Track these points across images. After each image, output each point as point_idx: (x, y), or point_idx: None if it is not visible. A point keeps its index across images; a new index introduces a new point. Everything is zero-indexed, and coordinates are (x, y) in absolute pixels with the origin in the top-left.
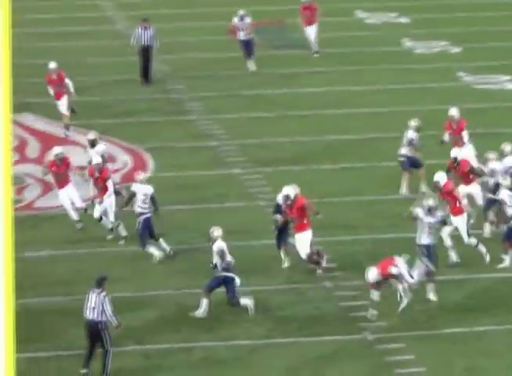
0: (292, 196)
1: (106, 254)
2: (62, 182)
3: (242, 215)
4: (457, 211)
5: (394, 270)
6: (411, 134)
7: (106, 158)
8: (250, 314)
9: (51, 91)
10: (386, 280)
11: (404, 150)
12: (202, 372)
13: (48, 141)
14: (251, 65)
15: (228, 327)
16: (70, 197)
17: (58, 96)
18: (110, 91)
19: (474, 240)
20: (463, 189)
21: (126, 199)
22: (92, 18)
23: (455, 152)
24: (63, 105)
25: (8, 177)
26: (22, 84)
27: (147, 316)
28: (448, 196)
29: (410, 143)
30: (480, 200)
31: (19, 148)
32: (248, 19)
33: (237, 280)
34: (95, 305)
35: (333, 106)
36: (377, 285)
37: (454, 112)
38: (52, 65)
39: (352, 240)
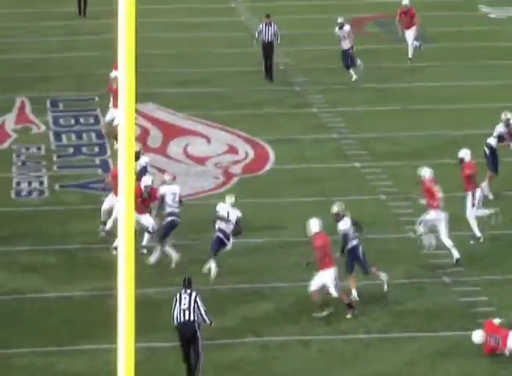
0: (309, 232)
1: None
2: (141, 211)
3: (363, 208)
4: (433, 207)
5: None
6: (500, 127)
7: (149, 171)
8: (210, 279)
9: (111, 99)
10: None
11: (492, 141)
12: (319, 365)
13: (169, 131)
14: (353, 74)
15: (345, 320)
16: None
17: (116, 106)
18: (233, 82)
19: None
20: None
21: (159, 203)
22: (216, 9)
23: (463, 153)
24: (116, 117)
25: (130, 166)
26: (145, 75)
27: (266, 308)
28: (425, 191)
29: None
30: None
31: (142, 138)
32: (347, 27)
33: (229, 245)
34: (188, 306)
35: (453, 100)
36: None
37: None
38: (114, 74)
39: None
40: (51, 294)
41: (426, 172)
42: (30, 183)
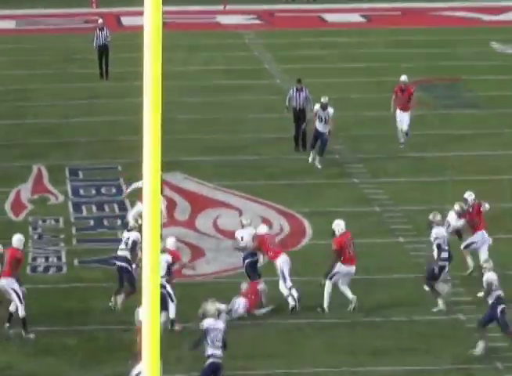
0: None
1: (258, 327)
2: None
3: (406, 287)
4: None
5: None
6: (451, 217)
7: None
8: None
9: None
10: None
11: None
12: None
13: (198, 202)
14: (318, 162)
15: None
16: None
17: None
18: (267, 149)
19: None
20: None
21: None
22: (248, 71)
23: (334, 224)
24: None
25: (155, 242)
26: (172, 141)
27: None
28: (262, 248)
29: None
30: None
31: (168, 209)
32: (331, 110)
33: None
34: None
35: (506, 170)
36: None
37: None
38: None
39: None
40: None
41: (262, 229)
42: (47, 258)
